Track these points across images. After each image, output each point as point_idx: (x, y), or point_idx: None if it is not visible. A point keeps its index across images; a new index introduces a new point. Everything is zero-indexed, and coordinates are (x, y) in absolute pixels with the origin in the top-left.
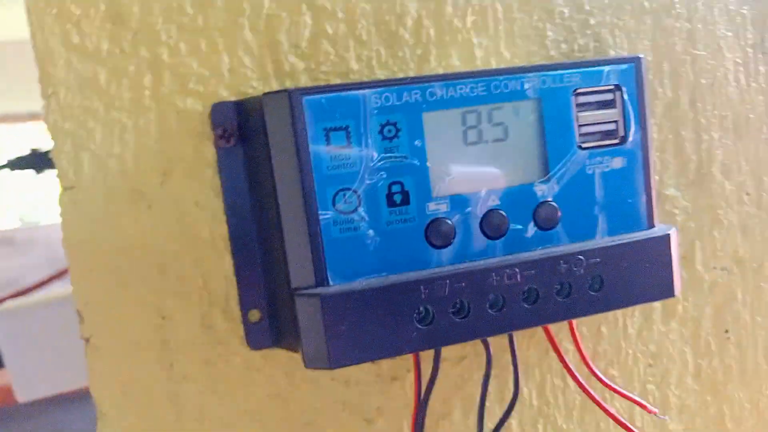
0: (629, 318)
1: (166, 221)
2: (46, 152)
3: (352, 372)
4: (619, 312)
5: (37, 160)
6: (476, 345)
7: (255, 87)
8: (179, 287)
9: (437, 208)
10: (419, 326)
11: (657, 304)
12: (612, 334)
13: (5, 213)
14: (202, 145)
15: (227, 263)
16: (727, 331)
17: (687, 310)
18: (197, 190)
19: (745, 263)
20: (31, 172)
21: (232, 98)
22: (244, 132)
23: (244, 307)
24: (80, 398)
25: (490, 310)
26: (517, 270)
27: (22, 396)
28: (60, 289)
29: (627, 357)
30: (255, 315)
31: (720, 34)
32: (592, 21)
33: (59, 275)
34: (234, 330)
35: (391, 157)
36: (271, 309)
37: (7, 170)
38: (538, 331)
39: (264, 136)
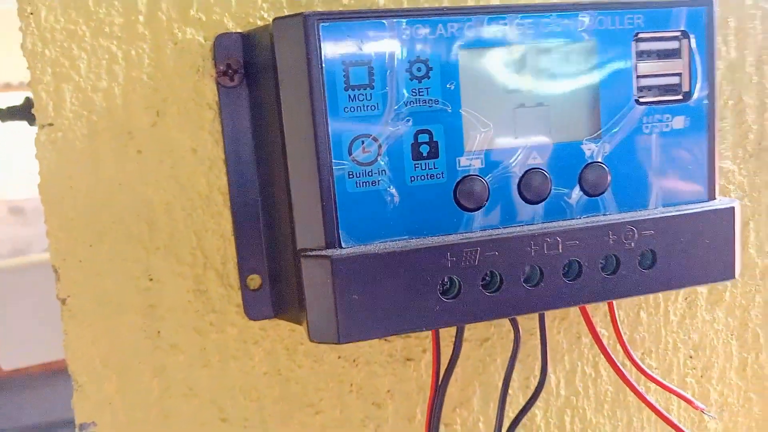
0: (672, 303)
1: (158, 169)
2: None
3: (361, 350)
4: (661, 296)
5: (31, 111)
6: (501, 326)
7: (265, 19)
8: (170, 245)
9: (469, 163)
10: (443, 299)
11: (703, 289)
12: (652, 321)
13: (17, 181)
14: (202, 82)
15: (225, 220)
16: None
17: (735, 297)
18: (194, 135)
19: None
20: (23, 123)
21: (239, 30)
22: (250, 70)
23: (243, 271)
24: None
25: (525, 285)
26: (558, 239)
27: (6, 364)
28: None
29: (667, 346)
30: (255, 281)
31: None
32: None
33: None
34: (230, 297)
35: (419, 100)
36: (273, 275)
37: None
38: (570, 314)
39: (273, 71)
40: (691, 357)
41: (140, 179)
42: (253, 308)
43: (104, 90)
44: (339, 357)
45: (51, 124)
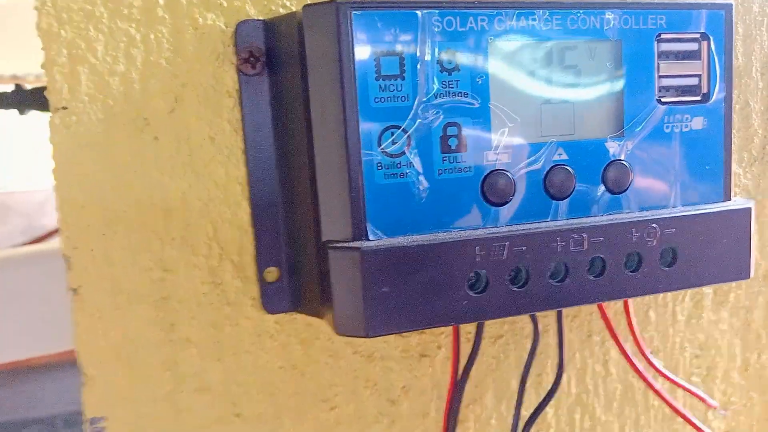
0: (679, 304)
1: (175, 157)
2: (32, 90)
3: (377, 346)
4: (669, 297)
5: (22, 98)
6: (514, 323)
7: (287, 6)
8: (186, 236)
9: (497, 158)
10: (471, 293)
11: (708, 290)
12: (660, 320)
13: None
14: (223, 69)
15: (243, 211)
16: None
17: (739, 299)
18: (213, 123)
19: None
20: (14, 112)
21: (261, 17)
22: (272, 58)
23: (261, 263)
24: (56, 368)
25: (551, 280)
26: (584, 236)
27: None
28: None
29: (674, 345)
30: (273, 273)
31: None
32: None
33: (35, 243)
34: (247, 289)
35: (449, 93)
36: (291, 268)
37: None
38: (582, 312)
39: (299, 60)
40: (697, 356)
41: (156, 167)
42: (270, 301)
43: (121, 74)
44: (354, 352)
45: (65, 108)
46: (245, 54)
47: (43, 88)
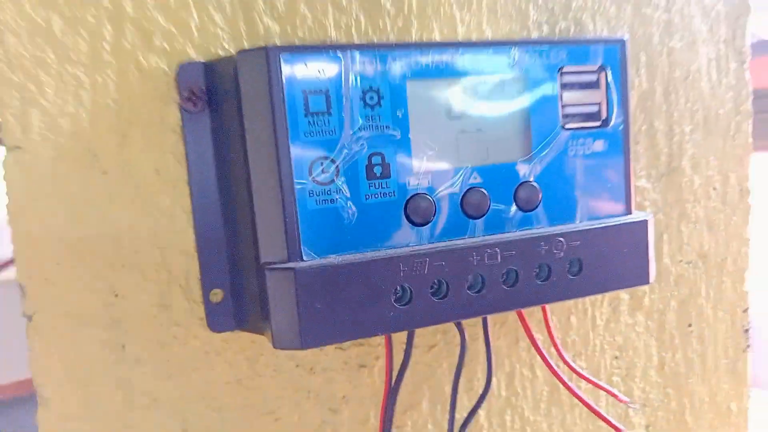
0: (598, 309)
1: (123, 189)
2: None
3: (318, 358)
4: (588, 302)
5: None
6: (447, 332)
7: (226, 49)
8: (135, 262)
9: (418, 183)
10: (397, 306)
11: (625, 296)
12: (581, 325)
13: None
14: (166, 108)
15: (189, 238)
16: (690, 325)
17: (653, 302)
18: (159, 157)
19: (710, 258)
20: None
21: (201, 59)
22: (212, 97)
23: (206, 285)
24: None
25: (469, 291)
26: (497, 250)
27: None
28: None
29: (594, 348)
30: (217, 295)
31: (696, 27)
32: (573, 4)
33: None
34: (193, 310)
35: (372, 126)
36: (234, 289)
37: None
38: (509, 320)
39: (236, 99)
40: (616, 357)
41: (106, 199)
42: (215, 321)
43: (71, 114)
44: (297, 366)
45: (19, 147)
46: (187, 93)
47: None
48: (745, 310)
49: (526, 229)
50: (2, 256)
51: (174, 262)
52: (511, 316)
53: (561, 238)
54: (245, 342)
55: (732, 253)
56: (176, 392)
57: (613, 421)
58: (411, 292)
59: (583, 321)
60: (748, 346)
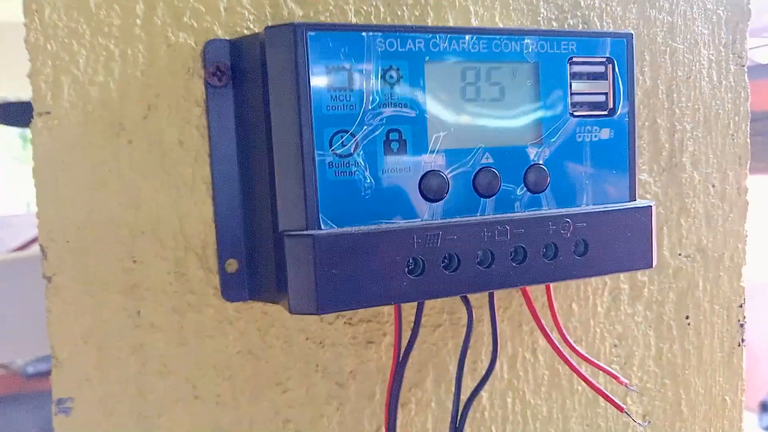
0: (599, 297)
1: (147, 158)
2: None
3: (327, 333)
4: (590, 290)
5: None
6: (452, 314)
7: (251, 29)
8: (154, 229)
9: (433, 160)
10: (410, 276)
11: (625, 285)
12: (582, 312)
13: None
14: (192, 82)
15: (207, 208)
16: (687, 318)
17: (652, 294)
18: (182, 129)
19: (708, 253)
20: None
21: (227, 37)
22: (236, 73)
23: (222, 255)
24: (34, 397)
25: (479, 266)
26: (507, 227)
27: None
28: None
29: (595, 336)
30: (233, 265)
31: (698, 30)
32: (582, 3)
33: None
34: (209, 279)
35: (391, 103)
36: (250, 260)
37: None
38: (513, 304)
39: (261, 73)
40: (615, 346)
41: (129, 167)
42: (230, 291)
43: (100, 84)
44: (307, 339)
45: (48, 113)
46: (212, 68)
47: (16, 103)
48: (741, 305)
49: (535, 210)
50: (2, 249)
51: (192, 231)
52: (515, 300)
53: (568, 219)
54: (257, 313)
55: (729, 249)
56: (189, 359)
57: (615, 399)
58: (424, 264)
59: (584, 308)
60: (743, 340)
